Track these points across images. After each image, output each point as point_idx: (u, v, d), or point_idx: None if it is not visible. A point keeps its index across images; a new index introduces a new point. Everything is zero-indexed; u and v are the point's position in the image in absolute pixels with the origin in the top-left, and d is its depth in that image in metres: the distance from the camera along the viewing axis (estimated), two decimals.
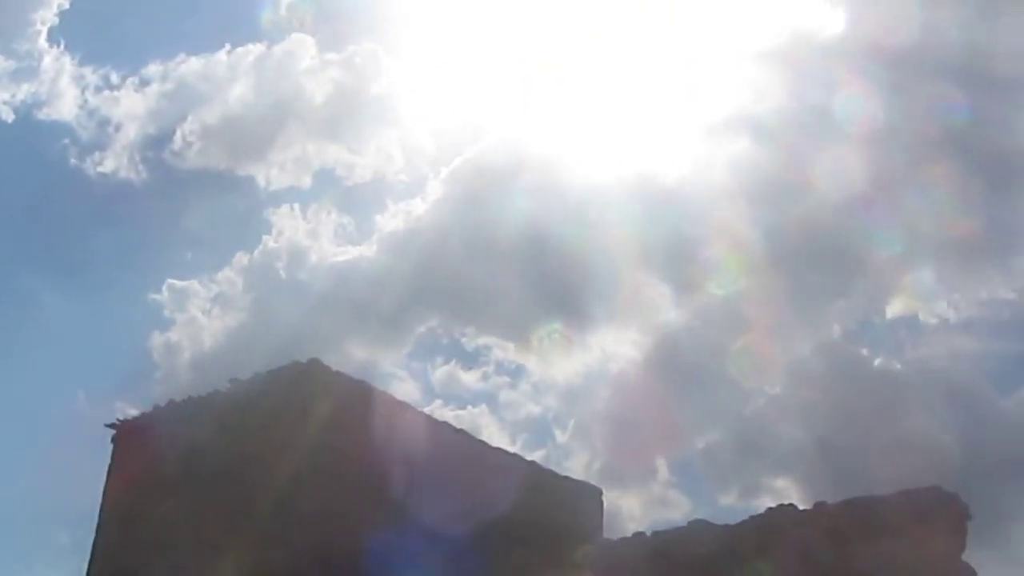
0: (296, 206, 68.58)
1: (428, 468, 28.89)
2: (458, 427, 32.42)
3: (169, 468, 29.43)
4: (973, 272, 60.92)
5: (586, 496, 32.94)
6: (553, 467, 34.19)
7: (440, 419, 32.51)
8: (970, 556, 21.99)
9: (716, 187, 58.16)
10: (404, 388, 56.25)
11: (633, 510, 51.21)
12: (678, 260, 57.57)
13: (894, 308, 60.79)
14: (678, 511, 53.39)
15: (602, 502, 33.30)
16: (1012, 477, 47.48)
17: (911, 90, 57.30)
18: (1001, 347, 61.62)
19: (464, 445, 30.97)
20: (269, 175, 67.03)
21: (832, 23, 58.12)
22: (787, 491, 53.23)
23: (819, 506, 23.00)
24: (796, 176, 56.62)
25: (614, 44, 70.60)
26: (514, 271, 57.54)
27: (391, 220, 68.64)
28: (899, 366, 57.88)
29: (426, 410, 33.95)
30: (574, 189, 63.19)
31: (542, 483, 31.69)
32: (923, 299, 59.87)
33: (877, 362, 58.01)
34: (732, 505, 53.96)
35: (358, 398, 29.07)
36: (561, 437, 61.01)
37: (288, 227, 68.07)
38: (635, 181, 63.52)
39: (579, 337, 60.90)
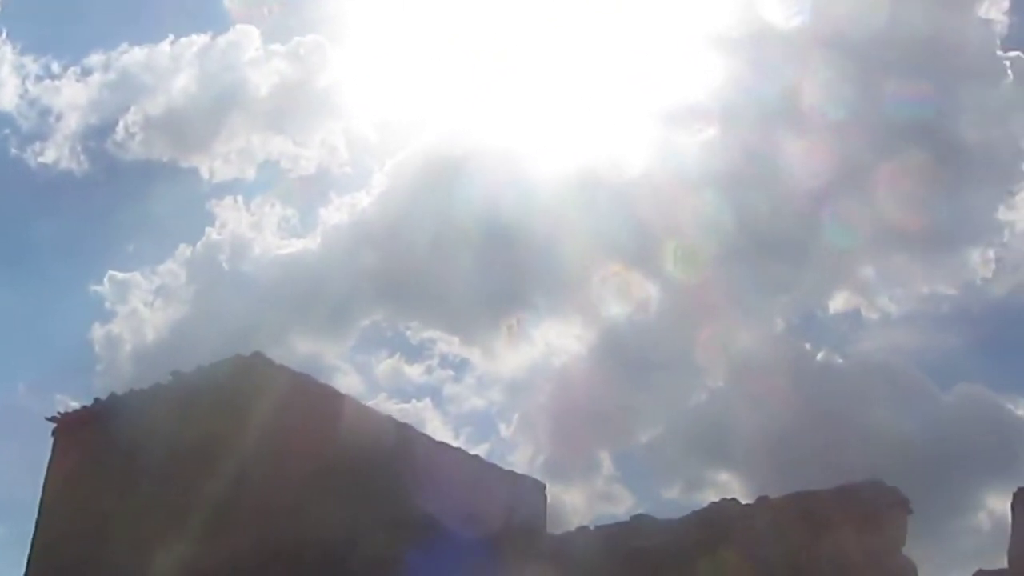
0: (239, 198, 68.19)
1: (371, 462, 28.75)
2: (401, 420, 32.30)
3: (110, 461, 29.17)
4: (915, 267, 61.58)
5: (529, 490, 32.88)
6: (497, 461, 34.13)
7: (383, 412, 32.34)
8: (910, 550, 22.21)
9: (662, 180, 58.19)
10: (348, 381, 56.12)
11: (577, 504, 51.39)
12: (622, 253, 57.66)
13: (837, 303, 61.36)
14: (622, 505, 53.68)
15: (546, 496, 33.26)
16: (953, 471, 48.05)
17: (867, 84, 57.77)
18: (942, 342, 62.39)
19: (407, 439, 30.85)
20: (213, 167, 66.61)
21: (794, 13, 58.10)
22: (730, 485, 53.51)
23: (762, 500, 23.15)
24: (744, 169, 56.96)
25: (568, 32, 70.21)
26: (459, 265, 57.49)
27: (335, 213, 68.43)
28: (841, 360, 58.37)
29: (370, 403, 33.91)
30: (520, 181, 62.95)
31: (485, 477, 31.63)
32: (866, 294, 60.48)
33: (820, 356, 58.50)
34: (676, 499, 54.27)
35: (301, 392, 28.90)
36: (505, 431, 61.08)
37: (232, 219, 67.78)
38: (581, 173, 63.29)
39: (523, 331, 60.99)
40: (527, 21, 72.52)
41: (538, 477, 34.61)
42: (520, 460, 52.10)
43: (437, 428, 52.31)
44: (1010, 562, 19.96)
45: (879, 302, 60.54)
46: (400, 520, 25.97)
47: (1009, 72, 60.42)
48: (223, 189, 69.21)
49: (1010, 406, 55.04)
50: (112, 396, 30.48)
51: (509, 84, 72.17)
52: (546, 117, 70.81)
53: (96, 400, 30.83)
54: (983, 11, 61.77)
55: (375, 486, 28.18)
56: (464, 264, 57.15)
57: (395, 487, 28.30)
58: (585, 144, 68.25)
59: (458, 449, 32.90)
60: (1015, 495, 20.35)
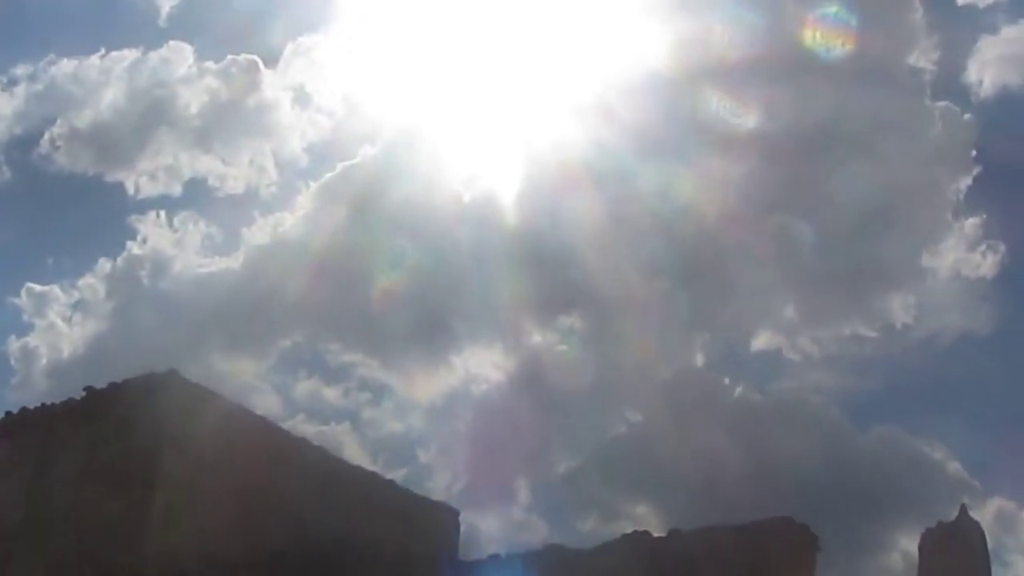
0: (162, 214, 67.77)
1: (284, 484, 28.50)
2: (317, 443, 32.02)
3: (20, 474, 28.69)
4: (837, 309, 62.31)
5: (443, 517, 32.74)
6: (414, 487, 33.91)
7: (299, 435, 32.05)
8: None
9: (587, 208, 58.35)
10: (266, 401, 55.78)
11: (492, 533, 51.13)
12: (545, 281, 57.84)
13: (759, 341, 61.81)
14: (537, 535, 53.65)
15: (459, 524, 33.14)
16: (867, 512, 48.47)
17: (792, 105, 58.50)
18: (861, 383, 63.13)
19: (322, 462, 30.61)
20: (139, 182, 66.33)
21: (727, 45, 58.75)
22: (646, 518, 53.70)
23: (673, 533, 23.17)
24: (668, 204, 57.28)
25: (499, 54, 70.38)
26: (380, 288, 57.32)
27: (258, 233, 67.98)
28: (759, 397, 58.78)
29: (287, 425, 33.67)
30: (446, 206, 63.16)
31: (400, 502, 31.44)
32: (787, 334, 61.00)
33: (738, 391, 58.83)
34: (591, 530, 54.20)
35: (215, 411, 28.56)
36: (423, 457, 60.92)
37: (153, 235, 67.34)
38: (504, 202, 63.48)
39: (443, 357, 60.94)
40: (462, 43, 72.56)
41: (455, 504, 34.52)
42: (437, 487, 51.98)
43: (354, 452, 52.00)
44: None
45: (800, 342, 61.14)
46: (306, 543, 25.66)
47: (937, 121, 61.58)
48: (147, 205, 68.53)
49: (926, 448, 55.75)
50: (23, 410, 29.98)
51: (442, 108, 72.20)
52: (474, 140, 70.95)
53: (7, 413, 30.31)
54: (913, 59, 62.73)
55: (285, 508, 27.90)
56: (385, 287, 57.02)
57: (304, 510, 28.00)
58: (513, 178, 68.49)
59: (372, 473, 32.66)
60: (923, 536, 20.57)
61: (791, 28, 59.40)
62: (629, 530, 24.18)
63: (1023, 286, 64.76)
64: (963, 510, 20.27)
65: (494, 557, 25.55)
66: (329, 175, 65.48)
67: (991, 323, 62.62)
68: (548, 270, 57.15)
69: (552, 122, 67.89)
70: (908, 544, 48.11)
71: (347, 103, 79.41)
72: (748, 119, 57.13)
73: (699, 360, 61.20)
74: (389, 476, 33.18)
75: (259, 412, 31.27)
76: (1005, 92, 66.54)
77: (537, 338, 62.39)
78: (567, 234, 57.43)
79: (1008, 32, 67.92)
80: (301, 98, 77.04)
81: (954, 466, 54.88)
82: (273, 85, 74.63)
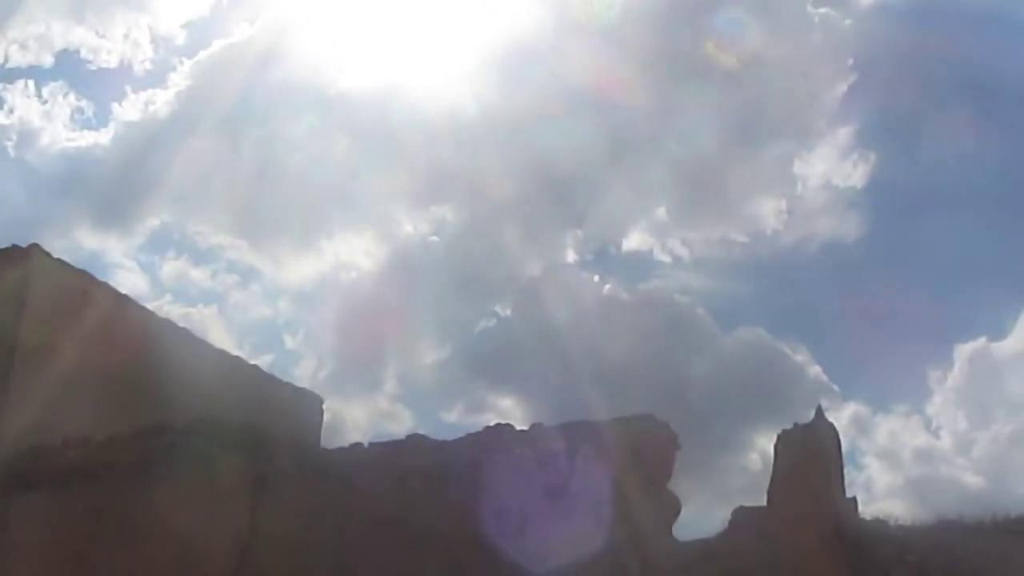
0: (31, 84, 65.81)
1: (146, 365, 28.12)
2: (182, 325, 31.63)
3: None
4: (709, 213, 62.86)
5: (306, 404, 32.64)
6: (279, 373, 33.70)
7: (164, 316, 31.61)
8: (678, 485, 22.61)
9: (468, 113, 58.08)
10: (132, 280, 55.31)
11: (358, 421, 51.52)
12: (419, 176, 57.52)
13: (631, 241, 62.25)
14: (402, 424, 53.82)
15: (322, 411, 33.07)
16: (726, 411, 49.30)
17: (683, 26, 58.51)
18: (728, 287, 63.86)
19: (185, 345, 30.24)
20: (8, 51, 63.92)
21: None
22: (512, 411, 54.24)
23: (535, 427, 23.26)
24: (547, 105, 57.14)
25: None
26: (252, 171, 56.65)
27: (130, 108, 66.42)
28: (627, 296, 59.17)
29: (153, 305, 33.21)
30: (323, 91, 62.41)
31: (262, 388, 31.22)
32: (659, 235, 61.45)
33: (606, 289, 59.19)
34: (457, 422, 54.57)
35: (78, 288, 28.04)
36: (291, 343, 60.69)
37: (21, 105, 65.40)
38: (387, 92, 62.86)
39: (314, 242, 60.45)
40: None
41: (321, 391, 34.45)
42: (303, 373, 52.02)
43: (220, 336, 51.71)
44: (769, 501, 20.43)
45: (671, 244, 61.62)
46: (164, 424, 25.35)
47: (817, 28, 61.87)
48: (16, 74, 66.44)
49: (787, 351, 56.65)
50: None
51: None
52: (356, 29, 69.87)
53: None
54: None
55: (145, 389, 27.54)
56: (257, 170, 56.35)
57: (164, 392, 27.65)
58: (393, 70, 67.62)
59: (236, 357, 32.34)
60: (779, 436, 20.81)
61: None
62: (493, 423, 24.24)
63: (892, 196, 65.54)
64: (819, 412, 20.58)
65: (356, 445, 25.49)
66: (204, 53, 64.18)
67: (859, 231, 63.63)
68: (423, 161, 56.87)
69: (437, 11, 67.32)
70: (766, 444, 49.00)
71: None
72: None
73: (570, 257, 61.54)
74: (254, 361, 32.95)
75: (124, 291, 30.82)
76: (885, 2, 67.07)
77: (408, 228, 62.27)
78: (443, 126, 57.17)
79: None
80: None
81: (815, 369, 56.02)
82: None
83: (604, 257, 64.57)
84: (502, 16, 64.85)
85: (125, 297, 30.12)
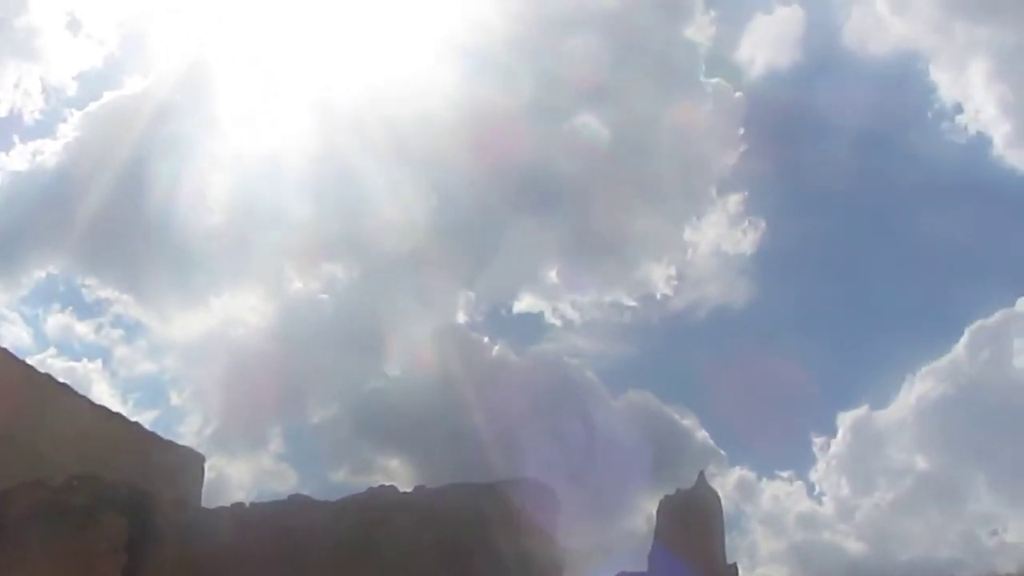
0: None
1: (24, 421, 27.53)
2: (62, 380, 31.04)
3: None
4: (600, 277, 63.25)
5: (188, 462, 32.11)
6: (164, 430, 33.22)
7: (45, 370, 30.98)
8: (563, 547, 22.64)
9: (360, 172, 58.06)
10: (15, 333, 54.02)
11: (243, 479, 50.72)
12: (309, 230, 57.39)
13: (522, 303, 62.31)
14: (287, 484, 53.09)
15: (203, 469, 32.58)
16: (612, 474, 49.34)
17: (562, 93, 59.10)
18: (618, 350, 64.23)
19: (65, 400, 29.67)
20: None
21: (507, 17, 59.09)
22: (399, 472, 53.66)
23: (419, 490, 23.19)
24: (440, 167, 57.56)
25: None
26: (142, 224, 55.95)
27: (17, 158, 65.27)
28: (517, 358, 59.20)
29: (35, 359, 32.67)
30: (214, 150, 61.82)
31: (144, 445, 30.72)
32: (550, 298, 61.66)
33: (495, 350, 59.18)
34: (343, 482, 53.93)
35: None
36: (176, 399, 59.69)
37: None
38: (279, 149, 62.49)
39: (202, 297, 59.76)
40: None
41: (205, 449, 34.00)
42: (188, 431, 51.16)
43: (104, 391, 50.75)
44: (650, 565, 20.54)
45: (561, 307, 61.87)
46: (40, 482, 24.81)
47: (709, 97, 62.98)
48: None
49: (675, 415, 57.00)
50: None
51: (217, 46, 70.48)
52: (250, 87, 69.59)
53: None
54: (690, 32, 63.91)
55: (21, 446, 26.93)
56: (147, 224, 55.69)
57: (41, 449, 27.08)
58: (285, 129, 67.30)
59: (117, 414, 31.77)
60: (661, 502, 20.99)
61: None
62: (378, 484, 24.15)
63: (780, 263, 66.77)
64: (701, 478, 20.82)
65: (238, 504, 25.21)
66: (95, 104, 63.42)
67: (747, 297, 64.53)
68: (314, 218, 56.66)
69: (341, 67, 67.33)
70: (653, 508, 49.55)
71: (121, 33, 76.64)
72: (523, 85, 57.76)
73: (460, 317, 61.54)
74: (138, 418, 32.46)
75: (4, 344, 30.24)
76: (775, 72, 68.44)
77: (298, 285, 61.89)
78: (335, 186, 57.13)
79: (782, 12, 69.80)
80: (72, 24, 74.52)
81: (702, 434, 56.43)
82: (43, 9, 71.94)
83: (495, 319, 64.59)
84: (394, 80, 64.92)
85: (3, 350, 29.49)
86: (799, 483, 59.96)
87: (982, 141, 66.00)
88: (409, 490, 23.45)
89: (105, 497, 23.95)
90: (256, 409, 52.96)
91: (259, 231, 56.98)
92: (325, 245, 58.66)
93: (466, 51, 61.02)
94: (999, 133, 65.32)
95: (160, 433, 32.68)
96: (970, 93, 66.91)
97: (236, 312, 60.79)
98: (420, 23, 65.58)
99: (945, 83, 67.47)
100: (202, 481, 32.15)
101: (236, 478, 50.15)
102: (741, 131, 63.36)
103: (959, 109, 66.32)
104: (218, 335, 59.72)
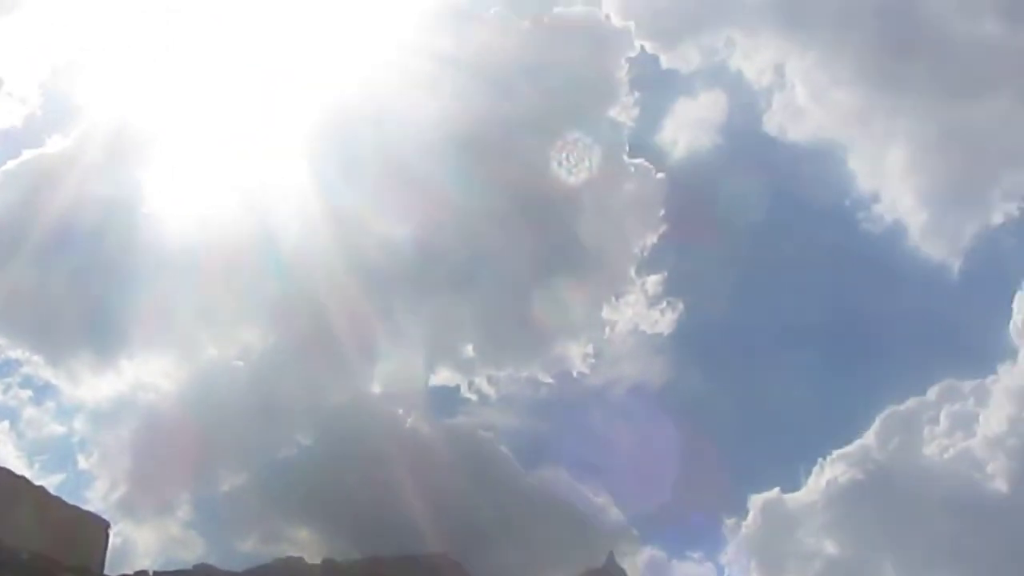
0: None
1: None
2: None
3: None
4: (518, 353, 63.26)
5: (92, 528, 31.52)
6: (70, 494, 32.60)
7: None
8: None
9: (277, 239, 57.86)
10: None
11: (149, 546, 49.82)
12: (226, 296, 56.98)
13: (439, 377, 62.06)
14: (194, 552, 52.17)
15: (108, 535, 31.94)
16: (522, 550, 49.13)
17: (491, 166, 59.35)
18: (533, 425, 64.22)
19: None
20: None
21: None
22: (309, 543, 52.76)
23: (327, 563, 22.95)
24: (359, 239, 57.48)
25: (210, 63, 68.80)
26: (54, 285, 55.24)
27: None
28: (431, 431, 58.90)
29: None
30: (132, 211, 61.26)
31: (47, 510, 30.10)
32: (466, 372, 61.49)
33: (409, 422, 58.85)
34: (251, 551, 53.00)
35: None
36: (84, 463, 58.69)
37: None
38: (196, 213, 62.10)
39: (113, 360, 58.98)
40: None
41: (112, 515, 33.41)
42: (95, 495, 50.33)
43: (10, 453, 49.81)
44: None
45: (478, 381, 61.72)
46: None
47: (632, 178, 63.73)
48: None
49: (588, 493, 56.87)
50: None
51: (140, 108, 69.92)
52: (166, 150, 69.08)
53: None
54: (614, 113, 64.64)
55: None
56: (60, 285, 55.00)
57: None
58: (206, 192, 66.95)
59: (20, 477, 31.16)
60: None
61: None
62: (285, 555, 23.85)
63: (697, 344, 67.57)
64: (610, 558, 20.75)
65: (141, 573, 24.78)
66: (13, 163, 62.67)
67: (663, 378, 65.13)
68: (231, 284, 56.34)
69: (260, 129, 67.11)
70: None
71: (43, 91, 75.97)
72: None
73: (376, 388, 61.14)
74: (42, 481, 31.84)
75: None
76: (696, 155, 69.46)
77: (213, 351, 61.23)
78: (252, 252, 56.85)
79: (705, 98, 70.96)
80: None
81: (615, 512, 56.31)
82: None
83: (410, 391, 64.25)
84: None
85: None
86: (709, 564, 60.21)
87: (898, 230, 67.53)
88: (317, 562, 23.17)
89: (5, 562, 23.44)
90: (165, 475, 52.26)
91: (175, 295, 56.42)
92: (241, 311, 58.23)
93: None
94: (915, 222, 67.06)
95: (65, 497, 32.12)
96: (887, 183, 68.71)
97: (148, 376, 59.98)
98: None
99: (863, 172, 69.28)
100: (106, 547, 31.53)
101: (142, 545, 49.31)
102: (662, 212, 64.26)
103: (876, 198, 68.09)
104: (129, 399, 58.97)
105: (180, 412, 56.00)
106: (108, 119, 65.67)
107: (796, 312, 68.34)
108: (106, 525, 32.19)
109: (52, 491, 31.70)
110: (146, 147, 65.96)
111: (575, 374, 62.71)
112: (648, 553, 57.13)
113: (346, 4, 69.94)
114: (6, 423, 58.65)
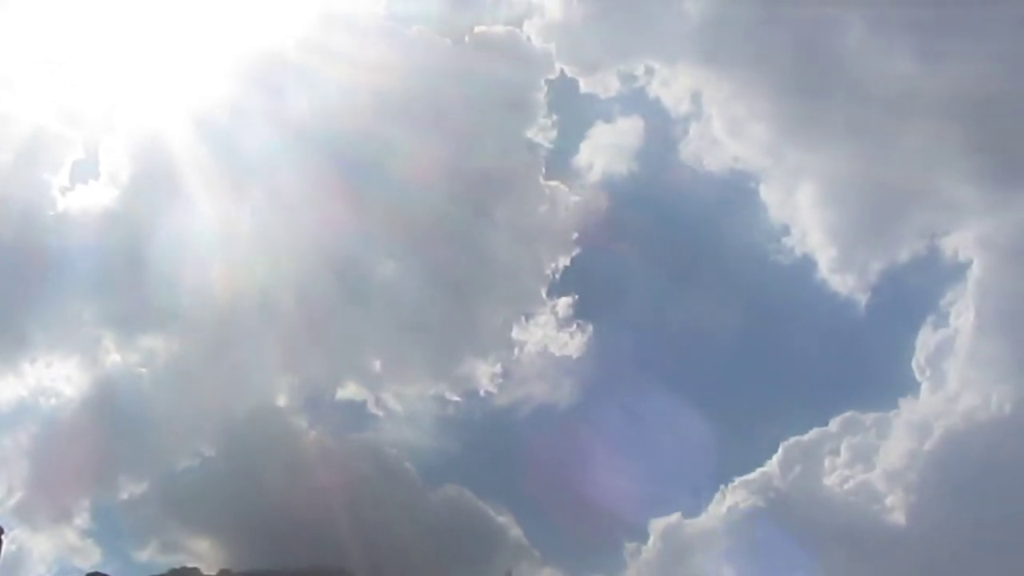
0: None
1: None
2: None
3: None
4: (425, 370, 63.19)
5: None
6: None
7: None
8: None
9: (188, 244, 57.34)
10: None
11: (44, 554, 49.20)
12: (131, 301, 56.45)
13: (346, 391, 61.72)
14: (90, 560, 51.52)
15: (2, 541, 31.51)
16: (422, 567, 49.03)
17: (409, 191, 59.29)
18: (438, 443, 64.02)
19: None
20: None
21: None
22: (207, 553, 52.17)
23: (224, 573, 22.78)
24: (272, 246, 57.24)
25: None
26: None
27: None
28: (335, 445, 58.48)
29: None
30: (38, 215, 60.49)
31: None
32: (373, 388, 61.24)
33: (312, 436, 58.46)
34: (148, 561, 52.31)
35: None
36: None
37: None
38: (105, 215, 61.37)
39: (14, 363, 58.06)
40: None
41: (6, 521, 33.07)
42: None
43: None
44: None
45: (384, 397, 61.47)
46: None
47: (547, 199, 64.07)
48: None
49: (491, 512, 56.83)
50: None
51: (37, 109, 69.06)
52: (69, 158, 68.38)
53: None
54: (532, 133, 64.83)
55: None
56: None
57: None
58: (108, 198, 66.23)
59: None
60: None
61: None
62: (182, 565, 23.62)
63: (605, 367, 67.61)
64: None
65: None
66: None
67: (571, 399, 65.25)
68: (136, 289, 55.80)
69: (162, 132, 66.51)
70: None
71: None
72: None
73: (281, 401, 60.68)
74: None
75: None
76: (612, 180, 69.72)
77: (116, 357, 60.43)
78: (161, 256, 56.29)
79: (623, 123, 71.24)
80: None
81: (516, 532, 56.29)
82: None
83: (316, 404, 63.80)
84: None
85: None
86: None
87: (807, 263, 68.31)
88: (214, 573, 22.97)
89: None
90: (64, 482, 51.59)
91: (79, 298, 55.78)
92: (146, 317, 57.65)
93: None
94: (824, 257, 67.72)
95: None
96: (798, 216, 69.30)
97: (49, 381, 59.12)
98: None
99: (775, 204, 69.73)
100: None
101: (37, 552, 48.72)
102: (575, 235, 64.56)
103: (786, 231, 68.72)
104: (30, 403, 58.06)
105: (81, 418, 55.35)
106: (14, 121, 64.91)
107: (704, 339, 68.86)
108: (0, 531, 31.75)
109: None
110: (52, 149, 65.18)
111: (482, 393, 62.79)
112: (548, 573, 57.30)
113: (266, 19, 69.41)
114: None
